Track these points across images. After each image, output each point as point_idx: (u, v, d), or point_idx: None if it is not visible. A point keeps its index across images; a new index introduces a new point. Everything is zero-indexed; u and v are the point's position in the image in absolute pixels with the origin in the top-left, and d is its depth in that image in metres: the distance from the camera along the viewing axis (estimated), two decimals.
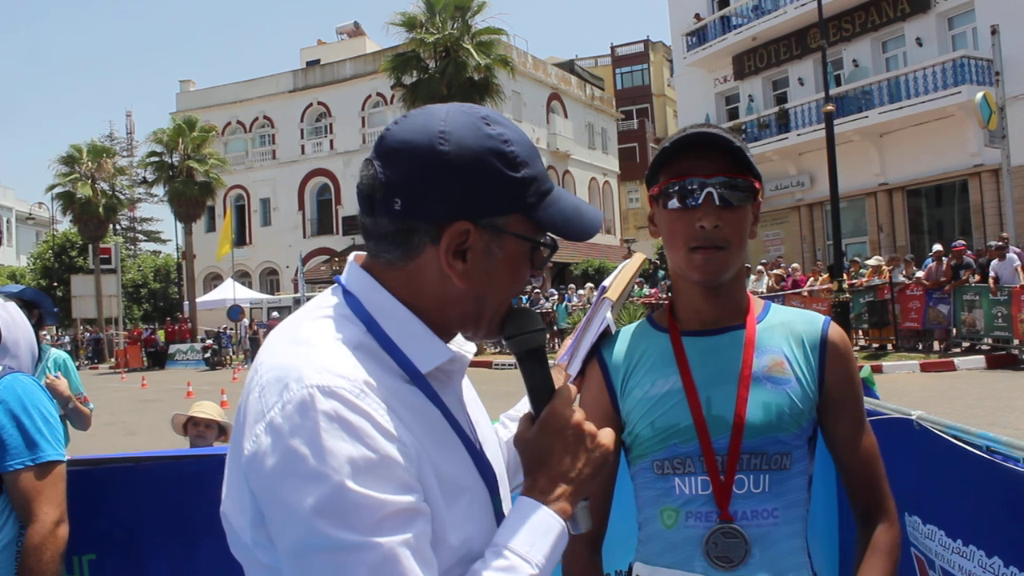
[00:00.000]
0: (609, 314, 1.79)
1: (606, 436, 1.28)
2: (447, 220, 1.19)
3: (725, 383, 1.69)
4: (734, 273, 1.72)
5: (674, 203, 1.67)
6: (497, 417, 1.72)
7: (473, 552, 1.19)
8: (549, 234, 1.29)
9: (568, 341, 1.95)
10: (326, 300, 1.27)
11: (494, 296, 1.26)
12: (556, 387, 1.31)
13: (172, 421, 4.44)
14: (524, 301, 26.26)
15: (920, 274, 18.10)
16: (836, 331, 1.78)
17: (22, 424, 2.34)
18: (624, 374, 1.77)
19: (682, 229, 1.67)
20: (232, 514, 1.18)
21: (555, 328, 25.40)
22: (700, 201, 1.65)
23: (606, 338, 1.85)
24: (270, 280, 48.24)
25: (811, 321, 1.78)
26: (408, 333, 1.22)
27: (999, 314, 15.87)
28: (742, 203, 1.67)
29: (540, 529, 1.18)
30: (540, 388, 1.31)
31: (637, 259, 2.01)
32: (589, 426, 1.27)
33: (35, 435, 2.35)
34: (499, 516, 1.29)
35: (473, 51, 27.61)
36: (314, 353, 1.14)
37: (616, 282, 1.89)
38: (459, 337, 1.36)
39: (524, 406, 1.69)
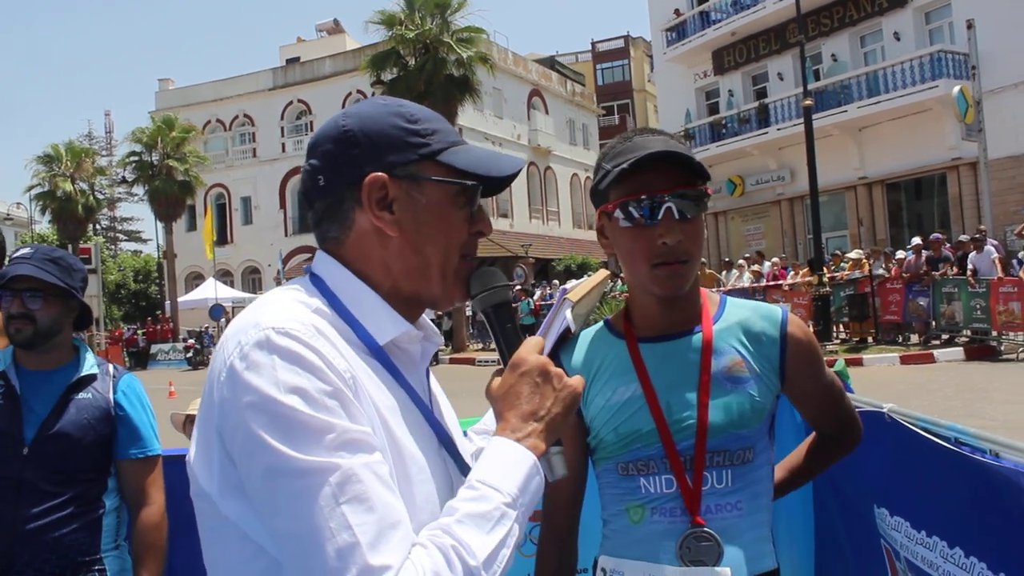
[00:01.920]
0: (569, 314, 1.81)
1: (574, 379, 1.31)
2: (363, 178, 1.29)
3: (685, 388, 1.71)
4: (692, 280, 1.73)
5: (632, 220, 1.67)
6: (477, 416, 1.74)
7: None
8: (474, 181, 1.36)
9: None
10: (294, 282, 1.35)
11: (433, 243, 1.33)
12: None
13: (171, 420, 4.41)
14: None
15: (901, 254, 18.28)
16: (795, 323, 1.80)
17: (144, 419, 2.71)
18: (586, 382, 1.77)
19: (643, 247, 1.67)
20: (198, 466, 1.23)
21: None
22: (660, 217, 1.64)
23: (567, 340, 1.86)
24: (252, 279, 47.98)
25: (768, 316, 1.79)
26: (365, 306, 1.30)
27: (977, 306, 16.02)
28: (698, 213, 1.68)
29: (509, 462, 1.20)
30: (509, 340, 1.36)
31: (601, 274, 2.03)
32: (556, 369, 1.30)
33: (152, 430, 2.72)
34: None
35: (453, 45, 27.54)
36: (271, 307, 1.23)
37: (580, 287, 1.90)
38: (428, 327, 1.41)
39: (491, 419, 1.71)
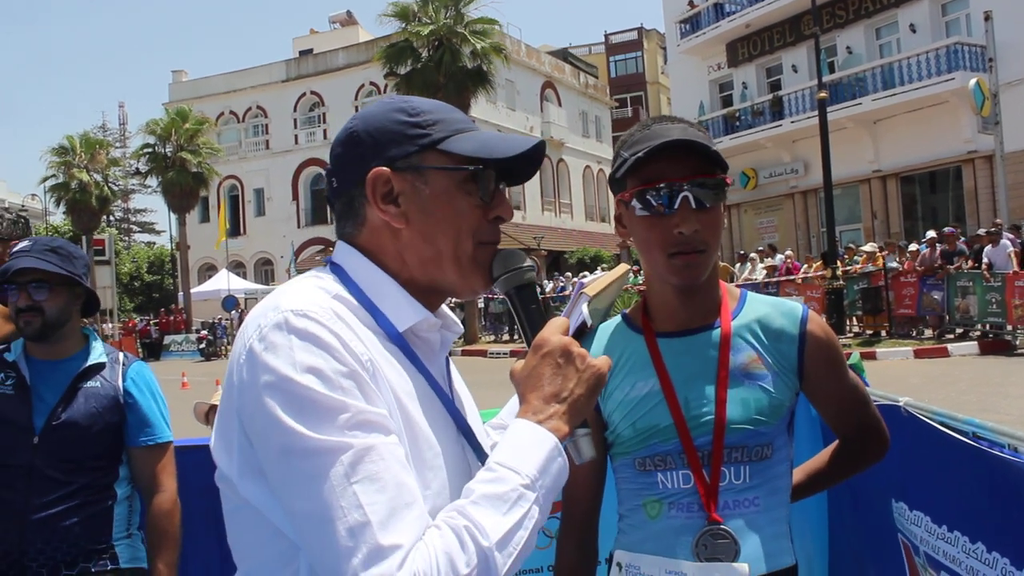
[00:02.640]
0: (585, 308, 1.79)
1: (600, 360, 1.29)
2: (367, 174, 1.32)
3: (703, 383, 1.70)
4: (710, 272, 1.71)
5: (649, 209, 1.64)
6: (489, 408, 1.73)
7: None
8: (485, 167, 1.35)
9: None
10: (315, 271, 1.36)
11: (442, 231, 1.33)
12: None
13: (194, 411, 4.40)
14: None
15: (915, 248, 18.17)
16: (815, 321, 1.77)
17: (154, 407, 2.72)
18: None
19: (659, 236, 1.64)
20: (218, 449, 1.25)
21: None
22: (677, 206, 1.62)
23: (583, 335, 1.84)
24: (265, 270, 48.13)
25: (788, 313, 1.76)
26: (384, 294, 1.32)
27: (993, 300, 15.88)
28: (716, 203, 1.65)
29: (529, 443, 1.18)
30: (533, 321, 1.34)
31: (620, 268, 2.01)
32: (579, 349, 1.27)
33: (163, 417, 2.74)
34: None
35: (467, 36, 27.50)
36: (291, 292, 1.25)
37: (598, 282, 1.88)
38: (447, 316, 1.42)
39: (509, 413, 1.70)
